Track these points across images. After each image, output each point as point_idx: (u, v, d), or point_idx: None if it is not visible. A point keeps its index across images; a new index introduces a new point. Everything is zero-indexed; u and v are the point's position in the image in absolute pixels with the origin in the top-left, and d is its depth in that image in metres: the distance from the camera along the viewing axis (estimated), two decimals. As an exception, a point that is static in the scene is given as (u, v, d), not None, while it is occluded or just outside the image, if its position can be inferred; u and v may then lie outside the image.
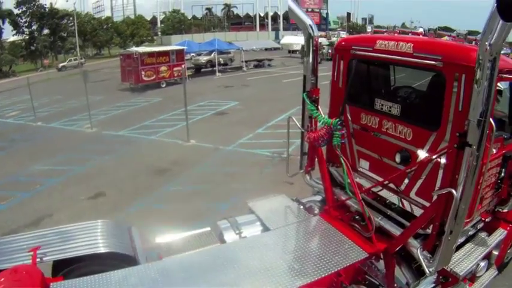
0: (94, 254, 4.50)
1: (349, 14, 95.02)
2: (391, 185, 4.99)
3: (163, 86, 24.97)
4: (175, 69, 25.64)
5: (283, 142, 12.93)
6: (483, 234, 5.57)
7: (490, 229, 5.71)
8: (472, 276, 5.43)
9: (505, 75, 4.29)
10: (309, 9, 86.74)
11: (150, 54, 24.87)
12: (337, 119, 5.04)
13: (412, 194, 4.73)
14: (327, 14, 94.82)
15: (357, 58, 5.21)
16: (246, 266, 4.46)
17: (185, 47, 28.80)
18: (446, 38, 4.72)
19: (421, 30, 5.06)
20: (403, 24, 59.03)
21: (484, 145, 3.73)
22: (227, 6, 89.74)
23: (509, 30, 3.18)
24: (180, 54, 26.61)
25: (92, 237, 4.71)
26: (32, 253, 4.12)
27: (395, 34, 5.13)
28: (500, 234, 5.69)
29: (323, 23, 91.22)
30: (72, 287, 3.89)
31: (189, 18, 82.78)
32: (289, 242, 5.26)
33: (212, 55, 31.81)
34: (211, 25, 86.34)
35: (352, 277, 4.80)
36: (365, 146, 5.35)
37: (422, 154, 4.50)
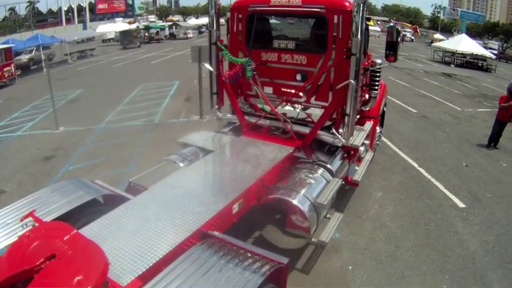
0: (91, 200, 4.30)
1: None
2: (294, 99, 6.21)
3: (-4, 89, 20.77)
4: (5, 69, 21.69)
5: (147, 112, 13.47)
6: (358, 126, 7.06)
7: (361, 124, 7.30)
8: (358, 159, 6.96)
9: None
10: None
11: (-20, 57, 19.84)
12: (248, 58, 6.08)
13: (313, 100, 6.09)
14: (133, 1, 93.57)
15: (255, 13, 6.19)
16: (221, 173, 5.30)
17: (13, 45, 24.17)
18: None
19: None
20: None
21: (362, 54, 5.19)
22: (31, 3, 78.32)
23: None
24: (8, 53, 22.39)
25: (77, 190, 4.40)
26: (26, 220, 3.71)
27: None
28: (369, 125, 7.36)
29: (129, 9, 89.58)
30: (98, 227, 3.82)
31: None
32: (235, 153, 6.08)
33: (33, 52, 27.53)
34: (16, 25, 74.84)
35: (292, 163, 5.83)
36: (267, 76, 6.38)
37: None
